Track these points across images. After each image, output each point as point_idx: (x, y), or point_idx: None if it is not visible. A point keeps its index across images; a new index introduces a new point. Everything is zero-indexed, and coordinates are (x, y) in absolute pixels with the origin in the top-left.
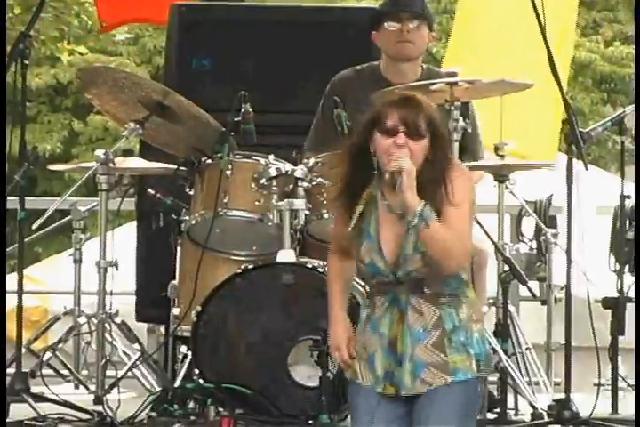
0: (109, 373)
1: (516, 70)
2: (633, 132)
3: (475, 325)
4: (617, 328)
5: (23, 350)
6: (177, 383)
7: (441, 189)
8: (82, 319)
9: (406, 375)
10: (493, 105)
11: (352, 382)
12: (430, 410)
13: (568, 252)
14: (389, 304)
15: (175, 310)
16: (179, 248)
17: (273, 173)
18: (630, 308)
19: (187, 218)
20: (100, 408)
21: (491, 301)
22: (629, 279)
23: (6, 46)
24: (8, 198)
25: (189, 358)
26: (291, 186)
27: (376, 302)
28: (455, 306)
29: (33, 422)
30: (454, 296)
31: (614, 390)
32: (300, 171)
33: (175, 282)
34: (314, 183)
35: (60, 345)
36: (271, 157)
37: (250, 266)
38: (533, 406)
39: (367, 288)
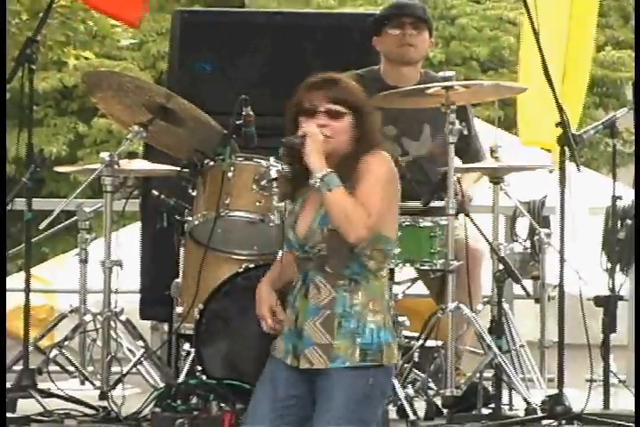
0: (114, 369)
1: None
2: (624, 135)
3: (372, 315)
4: (609, 326)
5: (30, 347)
6: (180, 380)
7: (352, 174)
8: (87, 317)
9: (300, 348)
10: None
11: (272, 355)
12: (322, 395)
13: (561, 251)
14: (302, 280)
15: (178, 309)
16: (182, 248)
17: (274, 174)
18: (621, 306)
19: (189, 218)
20: (105, 404)
21: (485, 299)
22: (621, 278)
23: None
24: (16, 200)
25: (192, 354)
26: None
27: (297, 278)
28: (351, 291)
29: (40, 418)
30: (353, 281)
31: (606, 386)
32: None
33: (178, 281)
34: None
35: (67, 342)
36: (272, 159)
37: (251, 265)
38: (527, 402)
39: None
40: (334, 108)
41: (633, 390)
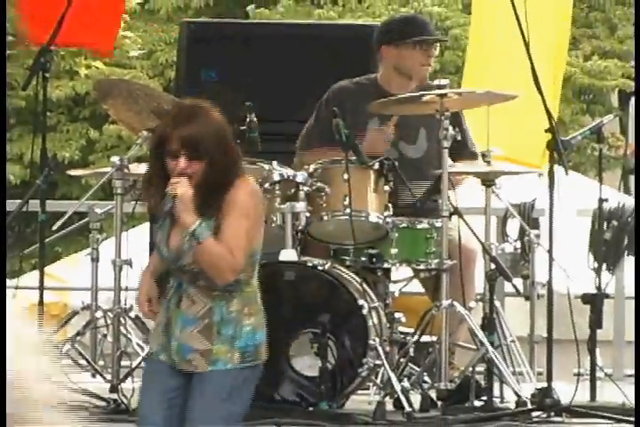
0: (124, 363)
1: (518, 82)
2: (610, 140)
3: (247, 318)
4: (595, 322)
5: None
6: None
7: (221, 205)
8: (99, 314)
9: (175, 354)
10: (483, 113)
11: (148, 360)
12: (194, 394)
13: (550, 251)
14: (175, 288)
15: None
16: None
17: (276, 177)
18: (607, 303)
19: None
20: (115, 396)
21: (478, 296)
22: (607, 277)
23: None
24: (30, 201)
25: None
26: (292, 190)
27: (170, 283)
28: (227, 300)
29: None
30: (226, 291)
31: (593, 380)
32: (300, 176)
33: None
34: (314, 188)
35: (79, 338)
36: (274, 163)
37: None
38: (518, 395)
39: None
40: (195, 152)
41: (618, 384)
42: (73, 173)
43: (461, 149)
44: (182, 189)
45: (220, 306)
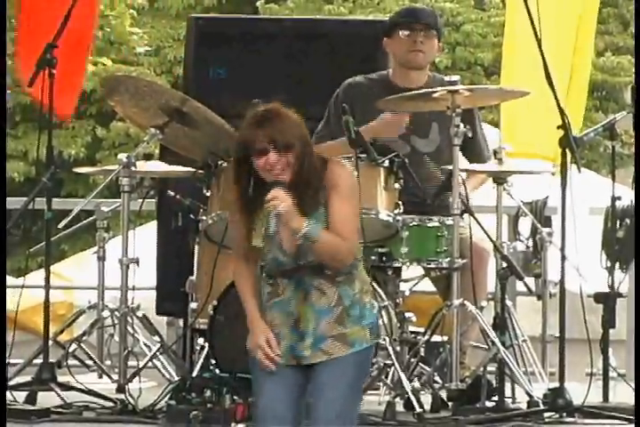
0: (131, 363)
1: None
2: (623, 137)
3: (366, 296)
4: (608, 321)
5: (50, 341)
6: (194, 373)
7: (318, 192)
8: (105, 313)
9: (307, 348)
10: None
11: (253, 357)
12: (328, 377)
13: (562, 250)
14: (295, 285)
15: (193, 304)
16: (196, 246)
17: None
18: (620, 302)
19: (204, 218)
20: (122, 396)
21: (490, 296)
22: (620, 276)
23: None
24: (36, 199)
25: (206, 349)
26: None
27: (280, 286)
28: (349, 283)
29: (59, 410)
30: (348, 274)
31: (605, 380)
32: None
33: (193, 278)
34: None
35: (85, 337)
36: None
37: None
38: (529, 395)
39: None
40: (283, 145)
41: (632, 384)
42: (80, 170)
43: (472, 149)
44: (281, 202)
45: (344, 290)
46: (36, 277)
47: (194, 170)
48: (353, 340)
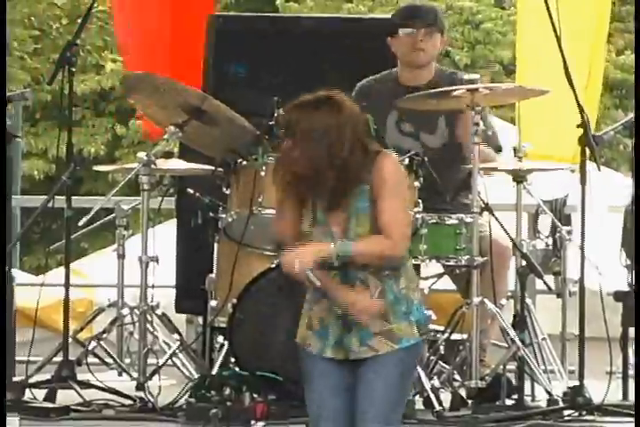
0: (150, 361)
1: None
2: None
3: (413, 293)
4: (628, 320)
5: (70, 339)
6: (214, 371)
7: (364, 182)
8: (125, 311)
9: (354, 342)
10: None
11: (302, 349)
12: (375, 373)
13: (582, 248)
14: (341, 279)
15: (212, 302)
16: (216, 244)
17: None
18: None
19: (223, 216)
20: (141, 394)
21: (509, 294)
22: None
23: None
24: (56, 197)
25: (226, 347)
26: None
27: (328, 278)
28: (395, 278)
29: (79, 408)
30: (395, 269)
31: (625, 378)
32: None
33: (212, 276)
34: None
35: (105, 335)
36: None
37: None
38: (549, 393)
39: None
40: (307, 135)
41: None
42: (99, 168)
43: (485, 140)
44: (299, 266)
45: (389, 285)
46: (56, 274)
47: (213, 168)
48: (400, 336)
